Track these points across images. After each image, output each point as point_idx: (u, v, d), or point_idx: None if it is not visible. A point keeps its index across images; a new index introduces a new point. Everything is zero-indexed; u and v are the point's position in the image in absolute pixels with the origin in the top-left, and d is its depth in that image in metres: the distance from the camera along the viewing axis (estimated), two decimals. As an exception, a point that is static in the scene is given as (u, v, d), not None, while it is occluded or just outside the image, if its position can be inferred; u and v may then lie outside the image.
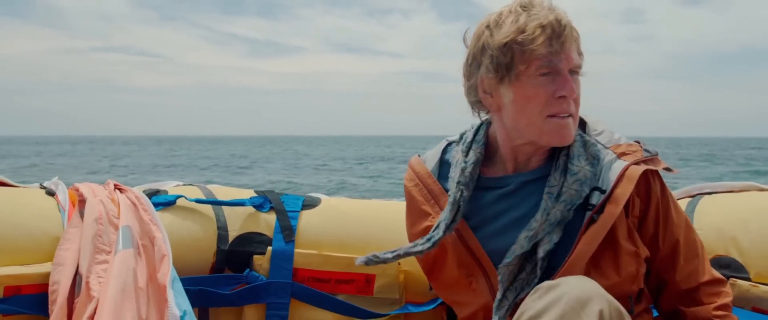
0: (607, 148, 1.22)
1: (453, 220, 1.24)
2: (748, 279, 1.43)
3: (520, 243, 1.16)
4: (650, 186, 1.22)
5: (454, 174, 1.29)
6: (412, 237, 1.38)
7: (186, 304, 1.31)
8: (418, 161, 1.39)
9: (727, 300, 1.22)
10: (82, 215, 1.39)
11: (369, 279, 1.68)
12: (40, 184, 1.56)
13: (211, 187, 1.76)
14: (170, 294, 1.29)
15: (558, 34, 1.12)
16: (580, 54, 1.17)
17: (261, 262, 1.62)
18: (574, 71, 1.17)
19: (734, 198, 1.62)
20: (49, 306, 1.26)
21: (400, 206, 1.86)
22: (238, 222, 1.65)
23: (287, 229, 1.67)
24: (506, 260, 1.17)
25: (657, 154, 1.22)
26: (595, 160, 1.19)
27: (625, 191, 1.14)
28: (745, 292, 1.39)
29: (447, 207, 1.25)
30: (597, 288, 1.02)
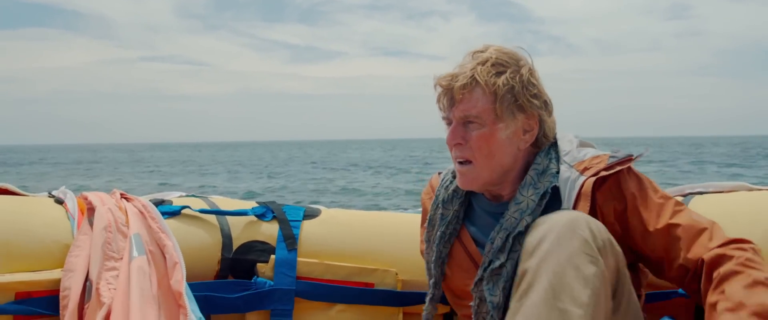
0: (571, 167, 1.28)
1: (434, 236, 1.40)
2: None
3: (482, 266, 1.29)
4: (622, 186, 1.26)
5: (439, 192, 1.43)
6: (421, 246, 1.51)
7: (198, 312, 1.34)
8: (436, 178, 1.51)
9: (748, 254, 1.16)
10: (91, 223, 1.42)
11: (368, 288, 1.73)
12: (49, 193, 1.59)
13: (214, 198, 1.81)
14: (187, 302, 1.33)
15: (447, 91, 1.28)
16: (495, 101, 1.25)
17: (264, 270, 1.66)
18: (469, 120, 1.27)
19: (724, 198, 1.64)
20: (61, 311, 1.29)
21: (397, 217, 1.96)
22: (241, 231, 1.69)
23: (290, 238, 1.71)
24: (476, 278, 1.30)
25: (631, 156, 1.28)
26: (547, 191, 1.27)
27: (584, 207, 1.22)
28: None
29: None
30: (580, 213, 1.16)
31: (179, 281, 1.38)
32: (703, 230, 1.19)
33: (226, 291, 1.61)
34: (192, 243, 1.59)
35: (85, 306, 1.31)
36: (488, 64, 1.26)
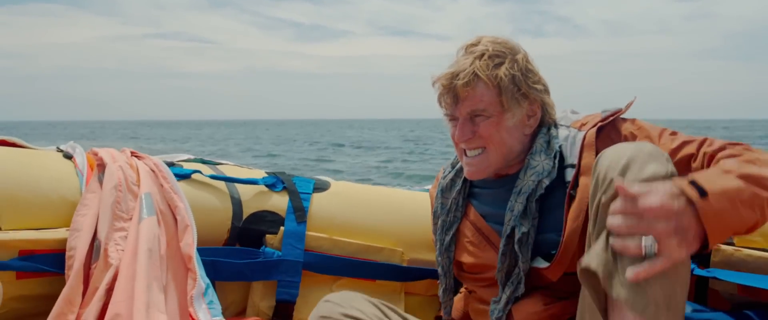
0: (569, 127, 1.32)
1: (438, 226, 1.44)
2: (731, 244, 1.49)
3: (504, 234, 1.31)
4: (619, 130, 1.28)
5: (440, 183, 1.49)
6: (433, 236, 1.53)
7: (206, 277, 1.32)
8: (442, 170, 1.53)
9: (746, 148, 1.16)
10: (100, 181, 1.38)
11: (373, 262, 1.72)
12: (57, 147, 1.54)
13: (222, 166, 1.77)
14: (197, 265, 1.30)
15: (450, 89, 1.28)
16: (499, 93, 1.26)
17: (273, 241, 1.64)
18: (476, 114, 1.28)
19: None
20: (66, 271, 1.26)
21: (404, 194, 1.95)
22: (251, 200, 1.66)
23: (299, 210, 1.69)
24: (501, 251, 1.31)
25: (621, 109, 1.30)
26: (556, 151, 1.30)
27: (590, 158, 1.23)
28: (729, 257, 1.44)
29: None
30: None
31: (190, 244, 1.35)
32: (702, 142, 1.20)
33: (234, 257, 1.58)
34: (202, 208, 1.55)
35: (92, 266, 1.27)
36: (485, 57, 1.27)
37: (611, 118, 1.28)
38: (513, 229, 1.27)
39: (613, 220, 0.96)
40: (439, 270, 1.45)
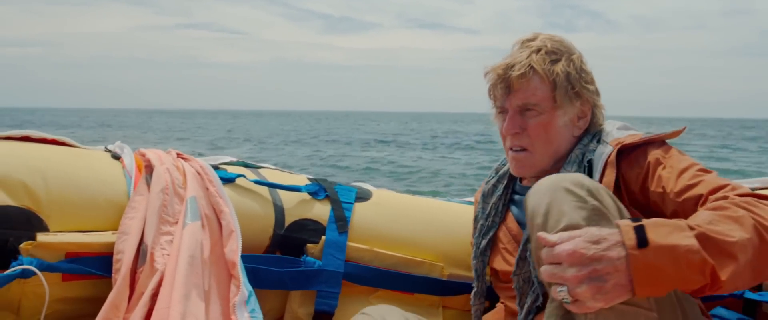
0: (607, 143, 1.29)
1: (477, 232, 1.45)
2: None
3: (522, 242, 1.30)
4: (647, 153, 1.23)
5: (483, 189, 1.49)
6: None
7: (248, 284, 1.30)
8: (488, 176, 1.52)
9: (751, 200, 1.03)
10: (148, 183, 1.37)
11: (412, 275, 1.68)
12: (105, 147, 1.53)
13: (264, 170, 1.76)
14: (240, 272, 1.29)
15: (503, 79, 1.28)
16: (554, 88, 1.26)
17: (314, 251, 1.61)
18: (527, 109, 1.28)
19: None
20: (113, 275, 1.25)
21: (446, 206, 1.91)
22: (293, 207, 1.64)
23: (341, 220, 1.66)
24: (517, 256, 1.31)
25: (665, 133, 1.25)
26: (585, 166, 1.28)
27: (610, 177, 1.21)
28: None
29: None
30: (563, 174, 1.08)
31: (234, 250, 1.33)
32: (722, 186, 1.09)
33: (274, 265, 1.56)
34: (245, 214, 1.53)
35: (139, 270, 1.26)
36: (542, 52, 1.27)
37: (642, 142, 1.23)
38: (529, 236, 1.23)
39: (541, 268, 0.93)
40: (474, 273, 1.45)
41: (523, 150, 1.30)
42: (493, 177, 1.47)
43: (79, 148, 1.47)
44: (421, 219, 1.77)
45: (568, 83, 1.27)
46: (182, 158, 1.54)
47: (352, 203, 1.71)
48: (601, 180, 1.22)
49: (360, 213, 1.70)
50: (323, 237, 1.62)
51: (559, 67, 1.26)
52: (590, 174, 1.26)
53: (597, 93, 1.32)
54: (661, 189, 1.15)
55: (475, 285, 1.45)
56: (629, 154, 1.24)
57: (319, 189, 1.71)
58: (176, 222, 1.33)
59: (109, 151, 1.50)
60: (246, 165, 1.77)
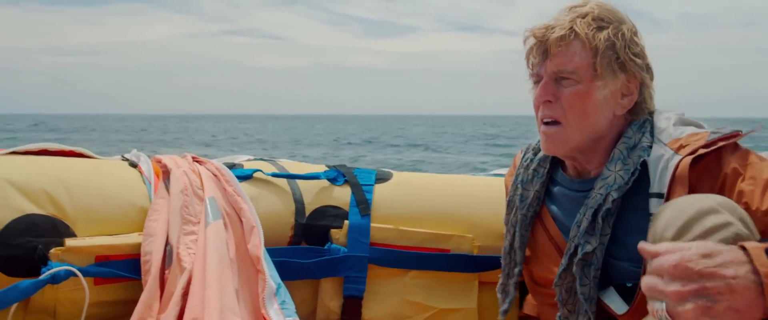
0: (665, 144, 1.14)
1: (514, 218, 1.35)
2: None
3: (567, 252, 1.20)
4: (721, 162, 1.08)
5: (519, 172, 1.37)
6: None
7: (277, 276, 1.31)
8: (519, 156, 1.42)
9: None
10: (167, 186, 1.39)
11: (443, 253, 1.66)
12: (122, 156, 1.56)
13: (282, 162, 1.76)
14: (265, 266, 1.29)
15: (541, 42, 1.17)
16: (595, 55, 1.14)
17: (338, 236, 1.61)
18: (563, 77, 1.16)
19: None
20: (142, 277, 1.27)
21: (471, 180, 1.88)
22: (313, 195, 1.64)
23: (363, 203, 1.66)
24: (561, 267, 1.21)
25: (738, 132, 1.10)
26: (637, 167, 1.14)
27: (682, 193, 1.06)
28: None
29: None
30: (710, 196, 0.97)
31: (257, 245, 1.34)
32: None
33: (300, 256, 1.56)
34: (265, 208, 1.54)
35: (166, 271, 1.28)
36: (588, 17, 1.15)
37: (715, 147, 1.07)
38: (576, 247, 1.15)
39: (642, 279, 0.82)
40: (504, 259, 1.37)
41: (555, 122, 1.17)
42: (531, 160, 1.34)
43: (96, 158, 1.51)
44: (445, 193, 1.74)
45: (612, 52, 1.14)
46: (197, 161, 1.55)
47: (372, 185, 1.70)
48: (668, 197, 1.07)
49: (381, 194, 1.69)
50: (346, 222, 1.61)
51: (604, 34, 1.14)
52: (643, 179, 1.12)
53: (647, 69, 1.18)
54: (744, 207, 1.00)
55: (515, 277, 1.35)
56: (697, 162, 1.08)
57: (337, 175, 1.70)
58: (198, 222, 1.34)
59: (126, 160, 1.52)
60: (263, 160, 1.78)
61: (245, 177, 1.57)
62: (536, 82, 1.21)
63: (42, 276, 1.18)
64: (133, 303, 1.24)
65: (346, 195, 1.66)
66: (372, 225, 1.63)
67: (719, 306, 0.75)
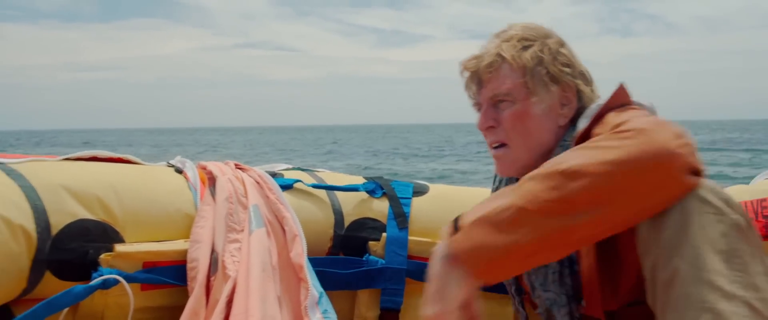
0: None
1: None
2: None
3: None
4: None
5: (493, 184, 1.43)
6: None
7: (319, 286, 1.31)
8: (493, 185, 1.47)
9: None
10: (212, 193, 1.41)
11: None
12: (167, 163, 1.58)
13: (320, 172, 1.77)
14: (308, 274, 1.30)
15: (473, 73, 1.22)
16: (524, 74, 1.17)
17: (376, 248, 1.62)
18: (499, 100, 1.20)
19: None
20: (189, 283, 1.28)
21: None
22: (352, 207, 1.65)
23: (400, 216, 1.66)
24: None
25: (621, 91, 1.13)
26: None
27: None
28: None
29: None
30: None
31: (300, 254, 1.34)
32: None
33: (338, 267, 1.57)
34: (305, 218, 1.54)
35: (211, 278, 1.29)
36: (513, 40, 1.19)
37: (601, 115, 1.09)
38: None
39: None
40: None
41: (502, 145, 1.21)
42: (495, 184, 1.39)
43: (143, 164, 1.52)
44: None
45: (541, 67, 1.17)
46: (240, 168, 1.56)
47: (409, 198, 1.71)
48: None
49: (418, 207, 1.69)
50: (384, 234, 1.62)
51: (530, 52, 1.17)
52: None
53: (581, 76, 1.21)
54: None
55: (517, 299, 1.36)
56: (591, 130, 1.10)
57: (375, 187, 1.71)
58: (242, 230, 1.35)
59: (172, 166, 1.54)
60: (302, 170, 1.79)
61: (287, 186, 1.59)
62: (478, 110, 1.25)
63: (93, 282, 1.20)
64: (178, 309, 1.25)
65: (384, 208, 1.67)
66: (409, 238, 1.63)
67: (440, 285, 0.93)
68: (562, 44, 1.21)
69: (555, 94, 1.18)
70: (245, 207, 1.39)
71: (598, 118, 1.09)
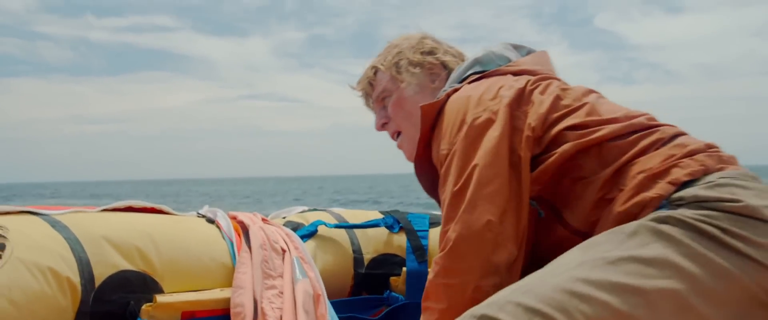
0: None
1: None
2: None
3: None
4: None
5: None
6: None
7: None
8: None
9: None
10: (247, 242, 1.43)
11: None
12: (198, 213, 1.60)
13: (337, 210, 1.81)
14: None
15: (362, 91, 1.45)
16: (395, 75, 1.36)
17: (397, 283, 1.66)
18: (382, 98, 1.40)
19: None
20: None
21: None
22: (371, 244, 1.69)
23: (419, 249, 1.70)
24: None
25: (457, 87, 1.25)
26: None
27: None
28: None
29: None
30: None
31: (324, 315, 1.36)
32: (447, 219, 1.18)
33: (360, 309, 1.61)
34: (326, 261, 1.59)
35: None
36: (383, 53, 1.41)
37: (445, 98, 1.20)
38: None
39: None
40: None
41: (399, 135, 1.40)
42: None
43: (176, 215, 1.54)
44: None
45: (404, 59, 1.35)
46: (266, 223, 1.59)
47: (426, 230, 1.75)
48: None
49: (436, 239, 1.70)
50: (404, 269, 1.66)
51: (394, 51, 1.37)
52: None
53: (446, 54, 1.37)
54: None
55: None
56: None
57: (392, 222, 1.75)
58: (279, 276, 1.38)
59: (203, 216, 1.57)
60: (316, 211, 1.82)
61: (311, 234, 1.62)
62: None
63: None
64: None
65: (402, 242, 1.71)
66: (429, 270, 1.67)
67: None
68: (424, 37, 1.38)
69: (421, 74, 1.35)
70: (278, 253, 1.43)
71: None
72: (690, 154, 0.99)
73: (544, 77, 1.16)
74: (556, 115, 1.07)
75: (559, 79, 1.20)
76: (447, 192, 1.08)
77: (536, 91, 1.10)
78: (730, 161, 1.00)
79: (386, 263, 1.68)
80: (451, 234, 1.05)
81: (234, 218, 1.55)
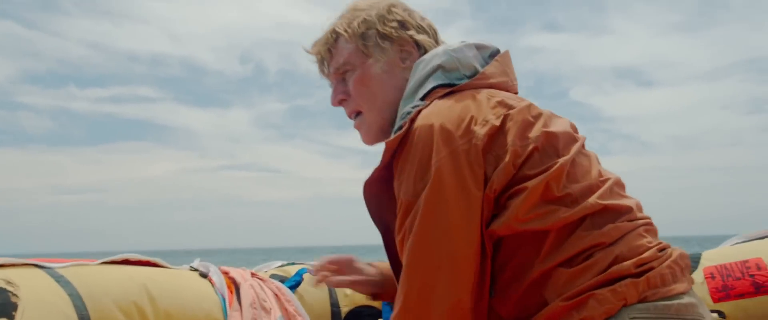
0: (422, 100, 1.15)
1: None
2: None
3: None
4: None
5: None
6: None
7: None
8: None
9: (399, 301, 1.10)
10: (238, 299, 1.49)
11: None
12: (190, 267, 1.65)
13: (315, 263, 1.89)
14: None
15: (319, 57, 1.23)
16: (358, 40, 1.18)
17: (372, 336, 1.77)
18: (343, 71, 1.20)
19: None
20: None
21: None
22: (347, 298, 1.79)
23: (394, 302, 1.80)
24: None
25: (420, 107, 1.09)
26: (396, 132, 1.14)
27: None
28: None
29: None
30: None
31: None
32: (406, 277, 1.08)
33: None
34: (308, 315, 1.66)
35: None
36: (345, 17, 1.21)
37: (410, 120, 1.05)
38: None
39: None
40: None
41: (359, 114, 1.20)
42: None
43: (170, 268, 1.61)
44: None
45: (372, 30, 1.17)
46: (257, 278, 1.67)
47: (397, 282, 1.85)
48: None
49: None
50: (380, 320, 1.77)
51: (359, 19, 1.18)
52: None
53: (420, 30, 1.20)
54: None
55: None
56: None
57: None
58: None
59: (195, 270, 1.63)
60: (295, 264, 1.91)
61: (297, 284, 1.71)
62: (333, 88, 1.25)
63: None
64: None
65: (377, 296, 1.81)
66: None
67: None
68: (393, 6, 1.20)
69: (391, 51, 1.17)
70: (267, 312, 1.50)
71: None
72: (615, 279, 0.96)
73: (524, 108, 1.06)
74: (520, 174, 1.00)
75: (529, 105, 1.08)
76: (408, 254, 1.03)
77: (511, 133, 1.02)
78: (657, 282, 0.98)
79: (362, 315, 1.78)
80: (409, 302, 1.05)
81: (226, 273, 1.62)
